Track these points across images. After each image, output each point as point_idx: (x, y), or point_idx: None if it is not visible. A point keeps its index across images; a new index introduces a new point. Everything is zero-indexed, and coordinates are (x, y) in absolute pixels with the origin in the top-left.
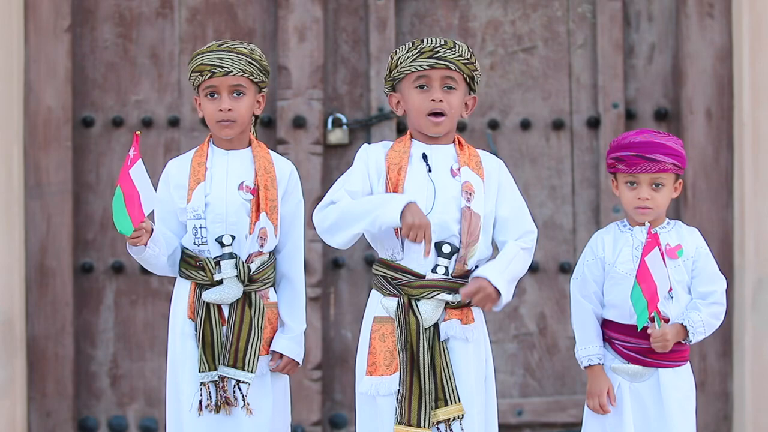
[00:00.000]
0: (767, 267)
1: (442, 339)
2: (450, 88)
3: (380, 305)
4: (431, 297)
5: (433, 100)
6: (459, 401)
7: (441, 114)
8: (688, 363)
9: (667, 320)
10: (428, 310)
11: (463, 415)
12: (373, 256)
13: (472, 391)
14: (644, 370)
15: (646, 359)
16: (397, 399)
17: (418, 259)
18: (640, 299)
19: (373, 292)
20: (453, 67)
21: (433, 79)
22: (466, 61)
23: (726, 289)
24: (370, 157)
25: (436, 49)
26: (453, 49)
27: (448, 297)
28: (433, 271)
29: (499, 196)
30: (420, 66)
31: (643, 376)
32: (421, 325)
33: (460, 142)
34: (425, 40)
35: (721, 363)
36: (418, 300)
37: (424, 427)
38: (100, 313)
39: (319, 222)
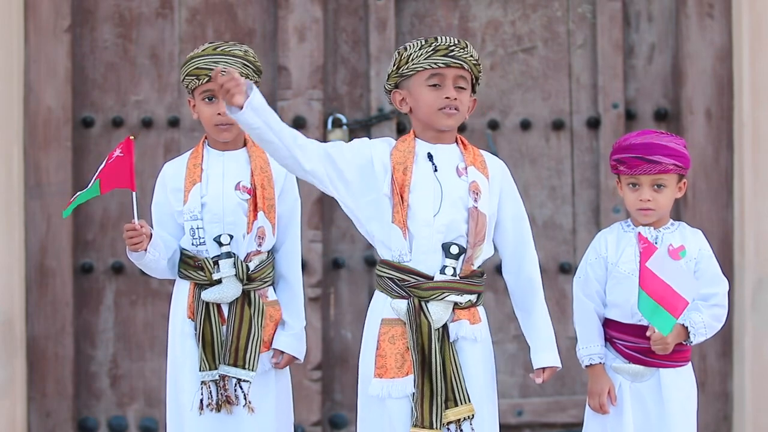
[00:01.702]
0: (767, 267)
1: (451, 340)
2: (461, 87)
3: (389, 307)
4: (441, 299)
5: (447, 98)
6: (469, 401)
7: (454, 109)
8: (690, 363)
9: None
10: (438, 311)
11: (473, 415)
12: (373, 256)
13: (482, 390)
14: (645, 370)
15: (648, 359)
16: (413, 401)
17: (426, 261)
18: (650, 307)
19: (378, 293)
20: (466, 67)
21: (447, 78)
22: (476, 62)
23: (727, 291)
24: (375, 151)
25: (451, 48)
26: (465, 50)
27: (457, 298)
28: (442, 272)
29: (501, 200)
30: (435, 63)
31: (645, 376)
32: (432, 326)
33: (463, 142)
34: (439, 38)
35: (721, 363)
36: (428, 302)
37: (436, 428)
38: (100, 313)
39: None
